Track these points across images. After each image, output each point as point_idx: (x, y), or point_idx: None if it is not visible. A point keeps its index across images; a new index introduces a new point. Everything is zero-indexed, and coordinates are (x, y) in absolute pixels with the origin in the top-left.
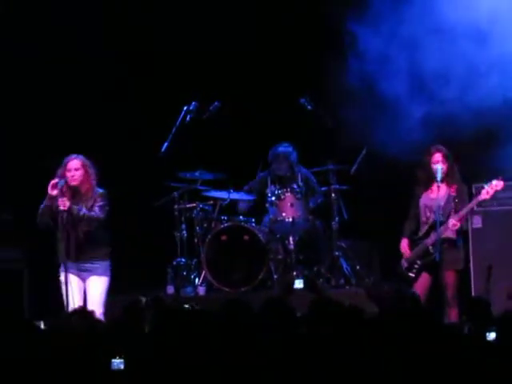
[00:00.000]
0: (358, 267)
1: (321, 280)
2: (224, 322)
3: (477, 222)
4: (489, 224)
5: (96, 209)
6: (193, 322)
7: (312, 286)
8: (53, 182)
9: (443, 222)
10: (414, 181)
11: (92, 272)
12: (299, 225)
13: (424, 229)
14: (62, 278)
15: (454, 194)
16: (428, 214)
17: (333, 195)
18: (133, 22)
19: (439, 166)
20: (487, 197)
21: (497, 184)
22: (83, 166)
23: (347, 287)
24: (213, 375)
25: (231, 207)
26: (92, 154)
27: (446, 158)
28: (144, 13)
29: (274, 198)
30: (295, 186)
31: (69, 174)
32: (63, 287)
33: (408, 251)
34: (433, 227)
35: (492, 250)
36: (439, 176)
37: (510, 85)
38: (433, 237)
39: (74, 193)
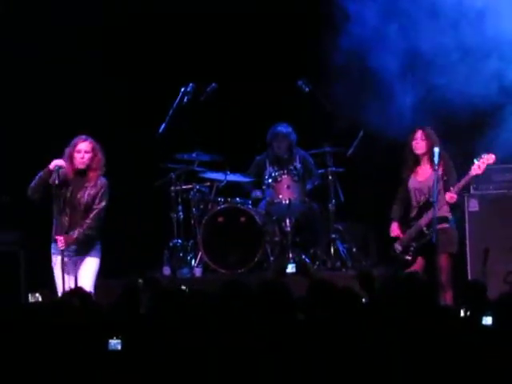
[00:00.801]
0: (354, 250)
1: (317, 263)
2: (221, 303)
3: (473, 205)
4: (485, 207)
5: (96, 207)
6: (190, 303)
7: (304, 271)
8: (51, 166)
9: (433, 203)
10: (400, 163)
11: (84, 253)
12: (296, 207)
13: (415, 211)
14: (54, 259)
15: (441, 172)
16: (418, 197)
17: (329, 177)
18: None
19: (416, 142)
20: (479, 171)
21: (488, 157)
22: (93, 149)
23: (343, 270)
24: (210, 357)
25: (228, 189)
26: (90, 134)
27: (426, 136)
28: None
29: (270, 180)
30: (293, 168)
31: (78, 155)
32: (55, 268)
33: (400, 234)
34: (424, 208)
35: (488, 234)
36: (417, 152)
37: (506, 69)
38: (426, 217)
39: (77, 176)
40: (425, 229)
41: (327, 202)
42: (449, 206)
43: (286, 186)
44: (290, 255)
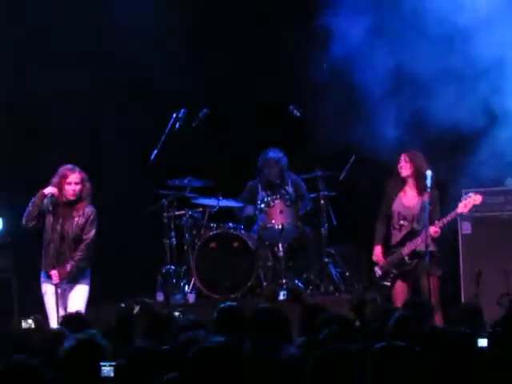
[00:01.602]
0: (347, 273)
1: (310, 287)
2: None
3: (466, 227)
4: (478, 230)
5: (86, 237)
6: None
7: (296, 297)
8: (45, 192)
9: (418, 232)
10: (385, 184)
11: (73, 282)
12: (288, 232)
13: (398, 237)
14: (44, 287)
15: (427, 200)
16: (401, 221)
17: (322, 201)
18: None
19: (401, 165)
20: (465, 210)
21: (475, 198)
22: (82, 180)
23: (336, 294)
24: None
25: (220, 214)
26: (81, 161)
27: (410, 158)
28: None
29: (263, 205)
30: (285, 193)
31: (69, 188)
32: (46, 296)
33: (382, 259)
34: (409, 236)
35: (481, 256)
36: (402, 175)
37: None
38: (409, 246)
39: (64, 206)
40: (406, 258)
41: (319, 226)
42: (432, 239)
43: (278, 211)
44: (283, 280)
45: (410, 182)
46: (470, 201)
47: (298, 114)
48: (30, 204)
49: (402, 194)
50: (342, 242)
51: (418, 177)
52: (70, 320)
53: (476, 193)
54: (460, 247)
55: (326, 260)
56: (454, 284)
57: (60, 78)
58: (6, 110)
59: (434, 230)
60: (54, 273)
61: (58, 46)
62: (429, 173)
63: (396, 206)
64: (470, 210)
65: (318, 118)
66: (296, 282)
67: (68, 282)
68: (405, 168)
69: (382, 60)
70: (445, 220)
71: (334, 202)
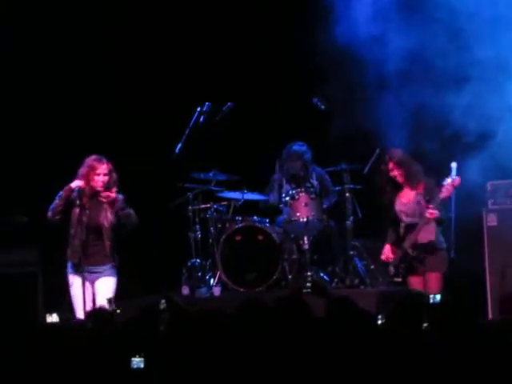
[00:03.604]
0: (372, 266)
1: (335, 280)
2: (240, 322)
3: (491, 220)
4: (503, 222)
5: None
6: (208, 323)
7: (320, 291)
8: (73, 185)
9: (417, 224)
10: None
11: (100, 274)
12: (313, 225)
13: (402, 232)
14: (71, 279)
15: (421, 192)
16: (404, 218)
17: (347, 194)
18: (144, 21)
19: (393, 174)
20: (447, 194)
21: (453, 180)
22: (110, 171)
23: (362, 287)
24: (226, 377)
25: (245, 207)
26: (107, 155)
27: (398, 164)
28: (155, 14)
29: (288, 198)
30: (309, 186)
31: (97, 179)
32: (72, 288)
33: (390, 256)
34: (409, 230)
35: (507, 248)
36: (399, 182)
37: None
38: (410, 239)
39: (92, 197)
40: (410, 251)
41: (344, 218)
42: (434, 226)
43: (303, 204)
44: (308, 273)
45: (404, 183)
46: (449, 183)
47: (323, 107)
48: (57, 198)
49: (399, 192)
50: (367, 234)
51: (409, 177)
52: (94, 315)
53: (456, 175)
54: (486, 240)
55: (351, 253)
56: (480, 277)
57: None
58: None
59: (429, 212)
60: (105, 194)
61: None
62: (454, 165)
63: (398, 206)
64: (451, 193)
65: (342, 110)
66: (321, 275)
67: (95, 273)
68: (398, 176)
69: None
70: (438, 200)
71: (359, 195)
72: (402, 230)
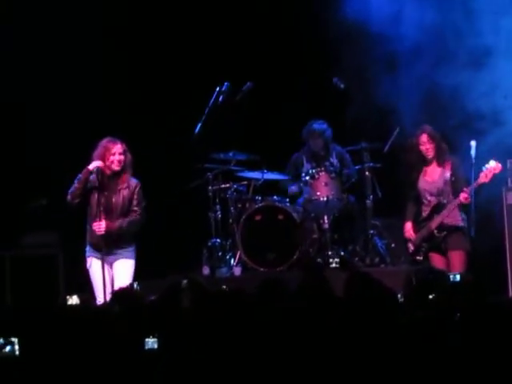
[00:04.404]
0: (392, 245)
1: (356, 259)
2: (260, 302)
3: (511, 198)
4: None
5: (137, 208)
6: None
7: (346, 265)
8: (90, 167)
9: (444, 205)
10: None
11: (119, 255)
12: (333, 204)
13: (426, 212)
14: (89, 261)
15: (449, 172)
16: (428, 197)
17: (366, 173)
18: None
19: (425, 147)
20: (486, 180)
21: (495, 167)
22: (125, 151)
23: (382, 266)
24: (245, 357)
25: (265, 187)
26: (126, 136)
27: (431, 137)
28: None
29: (308, 178)
30: (329, 165)
31: (112, 158)
32: (91, 270)
33: (413, 234)
34: (435, 210)
35: None
36: (428, 157)
37: None
38: (436, 219)
39: (109, 179)
40: (436, 231)
41: (364, 197)
42: (460, 209)
43: (323, 183)
44: (329, 252)
45: (433, 159)
46: (490, 170)
47: (342, 86)
48: (76, 181)
49: (424, 170)
50: (388, 213)
51: (440, 152)
52: (120, 295)
53: (497, 162)
54: (505, 218)
55: (372, 232)
56: (500, 256)
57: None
58: None
59: (463, 196)
60: (99, 223)
61: None
62: (473, 143)
63: (421, 184)
64: (491, 179)
65: (360, 89)
66: (342, 253)
67: (113, 255)
68: (430, 150)
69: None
70: (472, 187)
71: (378, 174)
72: (426, 209)
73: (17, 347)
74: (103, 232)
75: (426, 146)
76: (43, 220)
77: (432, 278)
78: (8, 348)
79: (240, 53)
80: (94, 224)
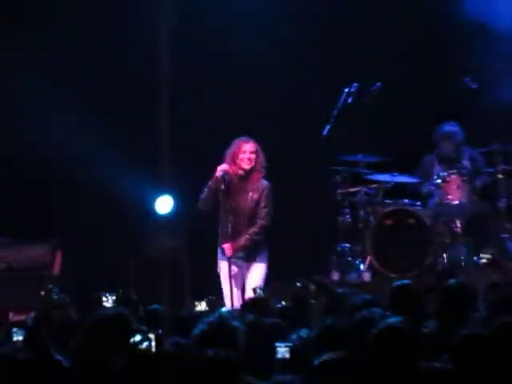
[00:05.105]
0: None
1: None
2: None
3: None
4: None
5: (261, 212)
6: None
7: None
8: (218, 174)
9: None
10: None
11: (251, 260)
12: (465, 207)
13: None
14: (220, 265)
15: None
16: None
17: (499, 176)
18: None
19: None
20: None
21: None
22: (257, 151)
23: None
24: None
25: (395, 190)
26: (253, 136)
27: None
28: None
29: (439, 181)
30: (461, 168)
31: (243, 156)
32: (222, 274)
33: None
34: None
35: None
36: None
37: None
38: None
39: (239, 180)
40: None
41: (497, 200)
42: None
43: (455, 186)
44: (462, 257)
45: None
46: None
47: (474, 87)
48: (206, 189)
49: None
50: None
51: None
52: (251, 305)
53: None
54: None
55: (505, 236)
56: None
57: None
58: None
59: None
60: (226, 246)
61: None
62: None
63: None
64: None
65: (494, 90)
66: (474, 259)
67: (245, 259)
68: None
69: None
70: None
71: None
72: None
73: (153, 343)
74: (231, 254)
75: None
76: (168, 224)
77: None
78: (145, 344)
79: (368, 53)
80: (223, 246)
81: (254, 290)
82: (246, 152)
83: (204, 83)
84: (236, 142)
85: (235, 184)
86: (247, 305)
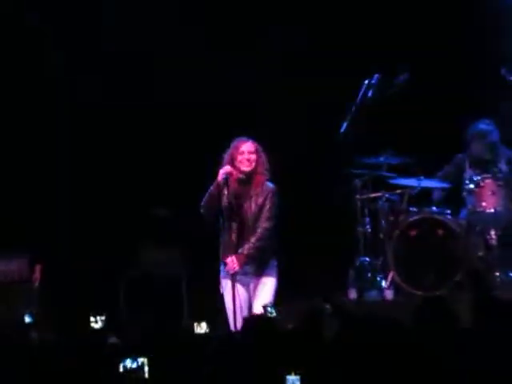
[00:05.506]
0: None
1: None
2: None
3: None
4: None
5: (264, 216)
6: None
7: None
8: (219, 178)
9: None
10: None
11: (258, 274)
12: (502, 216)
13: None
14: (223, 283)
15: None
16: None
17: None
18: None
19: None
20: None
21: None
22: (257, 150)
23: None
24: None
25: (422, 197)
26: (262, 138)
27: None
28: None
29: (472, 186)
30: (497, 171)
31: (242, 157)
32: (226, 294)
33: None
34: None
35: None
36: None
37: None
38: None
39: (241, 185)
40: None
41: None
42: None
43: (490, 192)
44: (497, 273)
45: None
46: None
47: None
48: (208, 193)
49: None
50: None
51: None
52: (253, 323)
53: None
54: None
55: None
56: None
57: None
58: None
59: None
60: (230, 259)
61: None
62: None
63: None
64: None
65: None
66: (510, 275)
67: (253, 274)
68: None
69: None
70: None
71: None
72: None
73: (146, 369)
74: (237, 268)
75: None
76: (163, 234)
77: None
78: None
79: (393, 40)
80: (227, 261)
81: (265, 308)
82: (245, 153)
83: None
84: (233, 142)
85: (237, 189)
86: (249, 326)
